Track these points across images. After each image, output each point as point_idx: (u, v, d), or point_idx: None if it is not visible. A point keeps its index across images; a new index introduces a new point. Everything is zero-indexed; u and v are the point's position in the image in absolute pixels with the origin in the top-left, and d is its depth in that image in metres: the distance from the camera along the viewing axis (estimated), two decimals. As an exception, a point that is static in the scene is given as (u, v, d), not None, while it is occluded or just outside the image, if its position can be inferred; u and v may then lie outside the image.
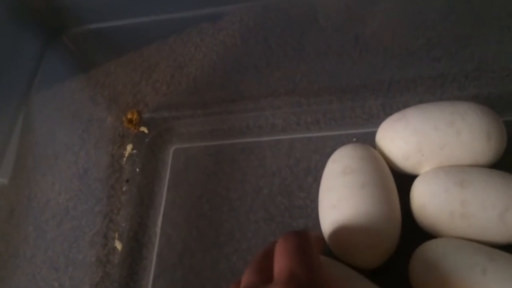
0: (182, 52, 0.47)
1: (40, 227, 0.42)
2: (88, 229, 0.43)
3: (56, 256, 0.41)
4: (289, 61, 0.46)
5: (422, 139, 0.35)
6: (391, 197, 0.35)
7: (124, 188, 0.45)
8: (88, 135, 0.47)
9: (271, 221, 0.40)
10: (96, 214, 0.43)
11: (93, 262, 0.41)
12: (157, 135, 0.48)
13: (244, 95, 0.47)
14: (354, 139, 0.42)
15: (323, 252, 0.32)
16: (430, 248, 0.32)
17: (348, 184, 0.35)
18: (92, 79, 0.48)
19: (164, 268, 0.40)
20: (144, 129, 0.48)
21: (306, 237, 0.29)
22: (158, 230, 0.42)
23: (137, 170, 0.46)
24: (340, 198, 0.35)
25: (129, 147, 0.47)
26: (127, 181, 0.45)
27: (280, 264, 0.27)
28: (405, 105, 0.42)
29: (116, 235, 0.42)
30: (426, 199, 0.34)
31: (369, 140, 0.40)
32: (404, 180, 0.37)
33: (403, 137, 0.36)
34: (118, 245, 0.42)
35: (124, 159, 0.47)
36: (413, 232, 0.35)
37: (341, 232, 0.34)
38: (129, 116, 0.48)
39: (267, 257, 0.29)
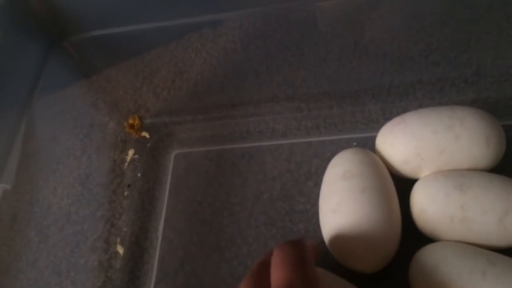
0: (182, 57, 0.47)
1: (42, 231, 0.42)
2: (90, 233, 0.43)
3: (58, 260, 0.42)
4: (289, 67, 0.46)
5: (421, 144, 0.35)
6: (391, 202, 0.35)
7: (125, 193, 0.45)
8: (90, 140, 0.47)
9: (271, 226, 0.40)
10: (98, 219, 0.43)
11: (95, 267, 0.41)
12: (158, 140, 0.48)
13: (244, 100, 0.47)
14: (354, 144, 0.43)
15: (317, 261, 0.32)
16: (429, 252, 0.32)
17: (348, 189, 0.35)
18: (94, 85, 0.48)
19: (165, 272, 0.41)
20: (145, 134, 0.48)
21: (302, 246, 0.29)
22: (159, 235, 0.42)
23: (139, 175, 0.46)
24: (340, 202, 0.35)
25: (130, 152, 0.47)
26: (129, 186, 0.45)
27: (277, 274, 0.27)
28: (404, 110, 0.42)
29: (118, 240, 0.43)
30: (425, 203, 0.34)
31: (369, 145, 0.41)
32: (404, 184, 0.37)
33: (402, 141, 0.36)
34: (120, 250, 0.42)
35: (126, 164, 0.47)
36: (413, 236, 0.35)
37: (341, 236, 0.34)
38: (130, 121, 0.48)
39: (264, 267, 0.29)
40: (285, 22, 0.44)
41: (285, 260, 0.27)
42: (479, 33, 0.43)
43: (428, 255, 0.32)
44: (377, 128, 0.40)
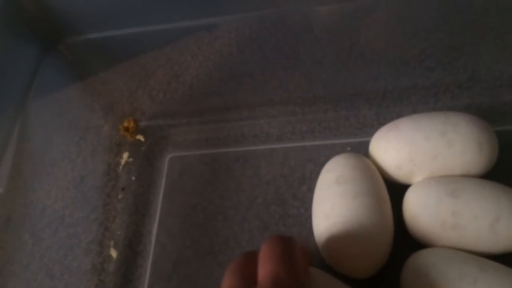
0: (178, 60, 0.47)
1: (36, 234, 0.42)
2: (84, 236, 0.43)
3: (51, 263, 0.41)
4: (284, 70, 0.46)
5: (414, 149, 0.36)
6: (384, 207, 0.35)
7: (120, 196, 0.45)
8: (85, 143, 0.47)
9: (265, 230, 0.40)
10: (92, 222, 0.43)
11: (88, 270, 0.41)
12: (153, 143, 0.48)
13: (239, 103, 0.47)
14: (349, 148, 0.43)
15: (311, 263, 0.32)
16: (421, 258, 0.32)
17: (341, 194, 0.35)
18: (88, 88, 0.48)
19: (158, 276, 0.40)
20: (140, 137, 0.48)
21: (291, 241, 0.28)
22: (153, 238, 0.42)
23: (133, 178, 0.46)
24: (333, 207, 0.35)
25: (125, 155, 0.47)
26: (123, 189, 0.45)
27: (264, 268, 0.27)
28: (398, 114, 0.42)
29: (112, 243, 0.43)
30: (418, 209, 0.34)
31: (363, 149, 0.41)
32: (397, 190, 0.37)
33: (395, 147, 0.36)
34: (113, 253, 0.42)
35: (120, 167, 0.47)
36: (406, 242, 0.35)
37: (334, 241, 0.34)
38: (125, 124, 0.48)
39: (250, 261, 0.28)
40: (281, 26, 0.44)
41: (273, 254, 0.27)
42: (474, 38, 0.43)
43: (420, 261, 0.32)
44: (371, 133, 0.40)
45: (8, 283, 0.40)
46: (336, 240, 0.34)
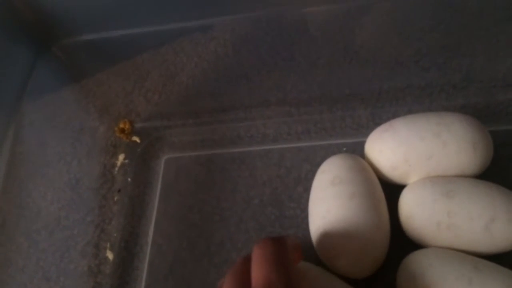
0: (174, 61, 0.48)
1: (31, 236, 0.42)
2: (80, 238, 0.43)
3: (47, 266, 0.41)
4: (279, 71, 0.46)
5: (409, 150, 0.36)
6: (380, 207, 0.36)
7: (115, 198, 0.45)
8: (80, 144, 0.47)
9: (261, 231, 0.40)
10: (88, 224, 0.43)
11: (85, 272, 0.41)
12: (149, 145, 0.48)
13: (235, 104, 0.47)
14: (344, 149, 0.43)
15: (303, 258, 0.32)
16: (416, 258, 0.32)
17: (337, 195, 0.35)
18: (84, 89, 0.48)
19: (155, 278, 0.41)
20: (136, 138, 0.48)
21: (282, 243, 0.29)
22: (149, 240, 0.42)
23: (129, 179, 0.46)
24: (329, 208, 0.35)
25: (121, 157, 0.47)
26: (119, 190, 0.45)
27: (257, 272, 0.27)
28: (394, 115, 0.43)
29: (108, 245, 0.43)
30: (413, 209, 0.34)
31: (359, 150, 0.41)
32: (392, 190, 0.37)
33: (390, 147, 0.37)
34: (110, 255, 0.42)
35: (116, 168, 0.47)
36: (402, 242, 0.35)
37: (330, 242, 0.35)
38: (121, 125, 0.48)
39: (248, 264, 0.28)
40: (276, 27, 0.44)
41: (265, 258, 0.27)
42: (469, 38, 0.43)
43: (415, 261, 0.32)
44: (367, 133, 0.40)
45: (5, 286, 0.40)
46: (333, 241, 0.34)
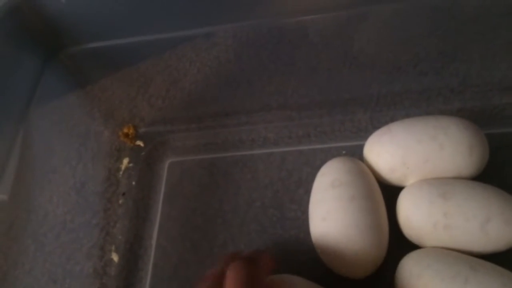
0: (176, 67, 0.48)
1: (38, 239, 0.43)
2: (86, 241, 0.43)
3: (54, 268, 0.42)
4: (280, 76, 0.47)
5: (407, 153, 0.37)
6: (379, 209, 0.36)
7: (120, 201, 0.46)
8: (85, 149, 0.48)
9: (263, 233, 0.41)
10: (93, 227, 0.44)
11: (90, 274, 0.42)
12: (152, 149, 0.49)
13: (237, 109, 0.48)
14: (344, 152, 0.44)
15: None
16: (414, 258, 0.33)
17: (337, 197, 0.36)
18: (89, 95, 0.49)
19: (159, 279, 0.41)
20: (140, 143, 0.49)
21: (255, 265, 0.30)
22: (153, 242, 0.43)
23: (133, 183, 0.47)
24: (329, 210, 0.36)
25: (125, 161, 0.48)
26: (124, 194, 0.46)
27: None
28: (392, 118, 0.43)
29: (113, 247, 0.43)
30: (411, 211, 0.35)
31: (358, 152, 0.42)
32: (390, 192, 0.38)
33: (389, 150, 0.37)
34: (115, 257, 0.43)
35: (121, 172, 0.48)
36: (400, 242, 0.36)
37: (331, 243, 0.35)
38: (125, 130, 0.49)
39: (216, 283, 0.29)
40: (277, 33, 0.45)
41: (238, 280, 0.28)
42: (465, 44, 0.43)
43: (413, 261, 0.33)
44: (366, 137, 0.41)
45: (12, 287, 0.40)
46: (333, 242, 0.35)
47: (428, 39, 0.44)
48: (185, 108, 0.50)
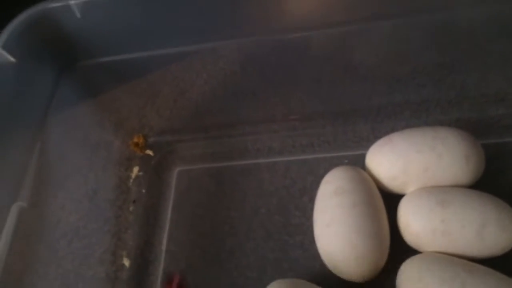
0: (184, 78, 0.49)
1: (52, 245, 0.43)
2: (98, 247, 0.44)
3: (67, 273, 0.42)
4: (284, 88, 0.48)
5: (407, 162, 0.38)
6: (380, 216, 0.38)
7: (131, 209, 0.47)
8: (97, 158, 0.49)
9: (269, 239, 0.42)
10: (105, 233, 0.45)
11: (103, 279, 0.43)
12: (161, 158, 0.50)
13: (242, 119, 0.49)
14: (346, 161, 0.45)
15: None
16: (414, 263, 0.35)
17: (340, 204, 0.38)
18: (100, 106, 0.50)
19: (169, 283, 0.43)
20: (149, 152, 0.50)
21: None
22: (163, 248, 0.44)
23: (143, 191, 0.48)
24: (333, 217, 0.37)
25: (135, 169, 0.49)
26: (134, 201, 0.47)
27: None
28: (392, 128, 0.44)
29: (124, 253, 0.44)
30: (410, 217, 0.37)
31: (359, 162, 0.43)
32: (391, 199, 0.39)
33: (390, 160, 0.39)
34: (126, 262, 0.44)
35: (131, 180, 0.49)
36: (400, 247, 0.38)
37: (334, 248, 0.37)
38: (135, 139, 0.50)
39: None
40: (281, 47, 0.46)
41: None
42: (462, 57, 0.44)
43: (413, 265, 0.34)
44: (367, 146, 0.42)
45: (27, 291, 0.42)
46: (336, 247, 0.37)
47: (426, 52, 0.45)
48: (193, 118, 0.51)
